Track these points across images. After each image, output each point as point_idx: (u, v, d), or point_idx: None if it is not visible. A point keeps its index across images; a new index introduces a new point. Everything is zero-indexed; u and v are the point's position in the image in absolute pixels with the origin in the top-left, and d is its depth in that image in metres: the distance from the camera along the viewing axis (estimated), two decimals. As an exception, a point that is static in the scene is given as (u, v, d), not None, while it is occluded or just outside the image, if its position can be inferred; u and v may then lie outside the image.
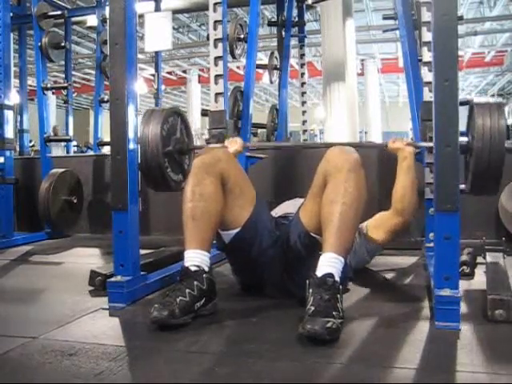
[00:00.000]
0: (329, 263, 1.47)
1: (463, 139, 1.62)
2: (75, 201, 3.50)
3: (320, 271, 1.45)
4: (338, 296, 1.41)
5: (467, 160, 1.67)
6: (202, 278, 1.53)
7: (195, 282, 1.51)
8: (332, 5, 7.13)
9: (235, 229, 1.72)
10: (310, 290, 1.41)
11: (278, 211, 2.06)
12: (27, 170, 3.79)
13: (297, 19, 4.14)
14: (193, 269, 1.54)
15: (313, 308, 1.34)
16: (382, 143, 2.22)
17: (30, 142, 5.91)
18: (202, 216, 1.61)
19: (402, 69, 3.03)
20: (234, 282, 1.92)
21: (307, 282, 1.44)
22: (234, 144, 2.18)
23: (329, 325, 1.29)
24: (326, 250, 1.50)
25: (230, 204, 1.70)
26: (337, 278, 1.45)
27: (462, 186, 1.59)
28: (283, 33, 3.89)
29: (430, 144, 1.86)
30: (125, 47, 1.77)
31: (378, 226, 2.09)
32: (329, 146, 1.71)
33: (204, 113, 2.62)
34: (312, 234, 1.68)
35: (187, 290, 1.49)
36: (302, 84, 4.39)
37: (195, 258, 1.57)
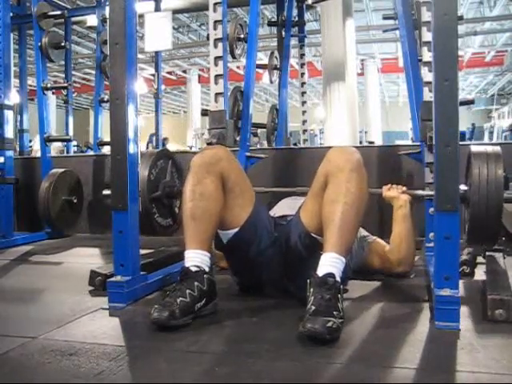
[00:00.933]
0: (330, 263, 1.47)
1: (462, 188, 1.61)
2: (75, 201, 3.50)
3: (321, 271, 1.45)
4: (339, 296, 1.41)
5: (465, 209, 1.66)
6: (203, 279, 1.53)
7: (196, 283, 1.51)
8: (332, 5, 7.13)
9: (234, 228, 1.72)
10: (311, 290, 1.41)
11: (276, 211, 2.05)
12: (27, 170, 3.79)
13: (297, 19, 4.13)
14: (193, 269, 1.54)
15: (313, 307, 1.34)
16: (377, 190, 2.11)
17: (30, 141, 5.91)
18: (203, 216, 1.61)
19: (401, 69, 3.03)
20: (234, 281, 1.92)
21: (308, 281, 1.44)
22: None
23: (329, 324, 1.29)
24: (327, 249, 1.50)
25: (230, 204, 1.70)
26: (338, 278, 1.45)
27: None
28: (283, 33, 3.88)
29: (429, 192, 1.84)
30: (125, 47, 1.77)
31: (379, 258, 2.05)
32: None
33: (204, 113, 2.62)
34: (312, 235, 1.68)
35: (188, 291, 1.48)
36: (302, 84, 4.39)
37: (195, 258, 1.57)
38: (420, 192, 2.13)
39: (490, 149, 1.60)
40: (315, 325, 1.29)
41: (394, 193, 2.06)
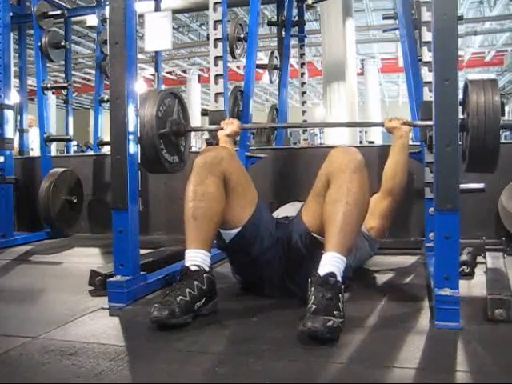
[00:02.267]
0: (331, 262, 1.47)
1: (460, 116, 1.61)
2: (75, 200, 3.50)
3: (322, 270, 1.45)
4: (340, 295, 1.41)
5: (463, 137, 1.66)
6: (203, 278, 1.53)
7: (195, 282, 1.51)
8: (332, 4, 7.14)
9: (236, 228, 1.72)
10: (312, 289, 1.41)
11: (278, 214, 2.05)
12: (27, 170, 3.79)
13: (297, 19, 4.14)
14: (193, 268, 1.54)
15: (314, 306, 1.34)
16: (378, 122, 2.25)
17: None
18: (204, 216, 1.61)
19: (401, 68, 3.03)
20: (234, 281, 1.93)
21: (309, 280, 1.44)
22: (230, 125, 2.18)
23: (330, 323, 1.29)
24: (328, 249, 1.50)
25: (232, 203, 1.70)
26: (339, 278, 1.45)
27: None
28: (283, 32, 3.89)
29: (428, 123, 1.85)
30: (125, 47, 1.77)
31: (372, 212, 2.05)
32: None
33: (204, 112, 2.62)
34: (313, 235, 1.68)
35: (187, 290, 1.48)
36: (302, 84, 4.39)
37: (196, 257, 1.57)
38: (420, 123, 2.18)
39: (485, 76, 1.60)
40: (316, 324, 1.29)
41: (395, 123, 2.12)
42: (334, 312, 1.34)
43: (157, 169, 1.89)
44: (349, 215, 1.53)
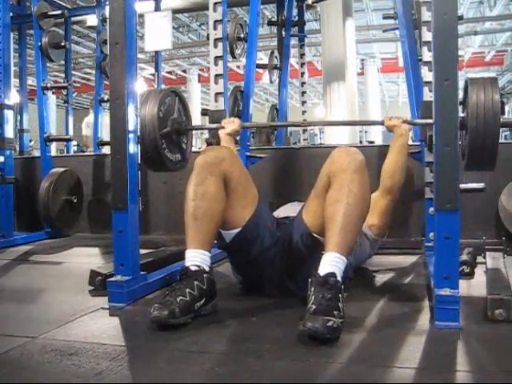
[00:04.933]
0: (331, 263, 1.47)
1: (459, 115, 1.61)
2: (75, 200, 3.50)
3: (322, 270, 1.45)
4: (340, 296, 1.41)
5: (463, 135, 1.66)
6: (203, 278, 1.53)
7: (195, 282, 1.51)
8: (332, 4, 7.13)
9: (236, 228, 1.72)
10: (312, 289, 1.41)
11: (278, 214, 2.05)
12: (27, 170, 3.79)
13: (297, 19, 4.14)
14: (193, 268, 1.54)
15: (314, 306, 1.34)
16: (378, 121, 2.26)
17: (30, 141, 5.91)
18: (204, 216, 1.61)
19: (401, 68, 3.03)
20: (234, 281, 1.92)
21: (309, 280, 1.44)
22: (231, 124, 2.18)
23: (330, 323, 1.29)
24: (328, 249, 1.50)
25: (232, 204, 1.70)
26: (339, 278, 1.45)
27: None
28: (283, 32, 3.89)
29: (428, 121, 1.86)
30: (125, 47, 1.77)
31: (372, 210, 2.06)
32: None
33: (204, 112, 2.62)
34: (314, 235, 1.68)
35: (187, 290, 1.48)
36: (302, 84, 4.39)
37: (196, 257, 1.57)
38: (419, 121, 2.18)
39: (486, 75, 1.61)
40: (315, 324, 1.29)
41: (396, 121, 2.13)
42: (334, 312, 1.34)
43: (160, 168, 1.89)
44: (349, 215, 1.53)
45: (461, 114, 1.62)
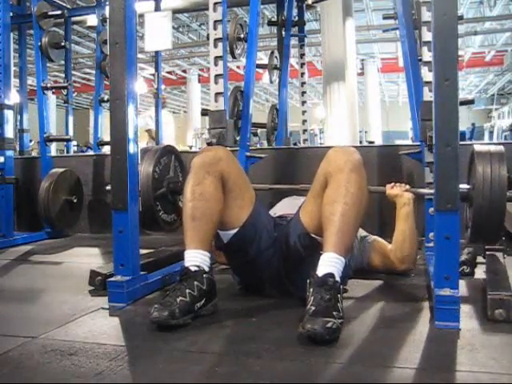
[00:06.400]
0: (330, 263, 1.47)
1: (464, 187, 1.60)
2: (75, 200, 3.50)
3: (321, 271, 1.45)
4: (339, 296, 1.41)
5: (466, 208, 1.66)
6: (202, 278, 1.53)
7: (195, 283, 1.51)
8: (332, 4, 7.13)
9: (234, 229, 1.73)
10: (311, 290, 1.41)
11: (276, 210, 2.05)
12: (27, 170, 3.79)
13: (297, 19, 4.13)
14: (193, 269, 1.54)
15: (313, 308, 1.34)
16: (380, 188, 2.14)
17: (30, 141, 5.90)
18: (202, 216, 1.61)
19: (401, 68, 3.03)
20: (234, 282, 1.92)
21: (308, 281, 1.44)
22: None
23: (329, 325, 1.29)
24: (326, 249, 1.50)
25: (229, 204, 1.70)
26: (337, 278, 1.45)
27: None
28: (283, 32, 3.88)
29: (430, 191, 1.84)
30: (125, 47, 1.77)
31: (381, 257, 2.07)
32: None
33: (204, 112, 2.62)
34: (312, 235, 1.68)
35: (187, 291, 1.48)
36: (302, 84, 4.39)
37: (195, 258, 1.57)
38: (423, 190, 2.14)
39: (493, 148, 1.60)
40: (314, 325, 1.29)
41: (398, 191, 2.06)
42: (334, 313, 1.34)
43: (154, 229, 1.89)
44: (347, 215, 1.53)
45: (466, 186, 1.62)
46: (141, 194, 1.76)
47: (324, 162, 1.65)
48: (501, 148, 1.63)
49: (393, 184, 2.10)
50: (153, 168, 1.77)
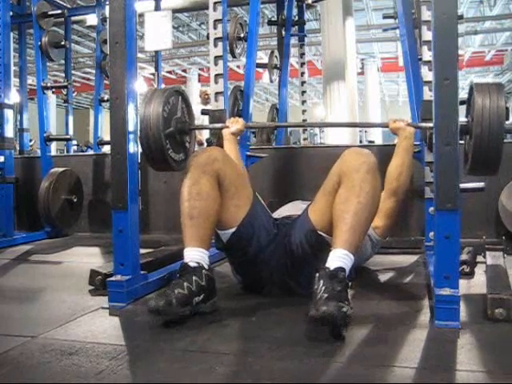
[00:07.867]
0: (340, 259, 1.47)
1: (462, 120, 1.60)
2: (75, 200, 3.50)
3: (332, 265, 1.45)
4: (348, 291, 1.42)
5: (466, 141, 1.66)
6: (201, 274, 1.54)
7: (194, 277, 1.51)
8: (332, 4, 7.14)
9: (232, 228, 1.73)
10: (321, 281, 1.39)
11: (281, 212, 2.05)
12: (27, 170, 3.79)
13: (297, 18, 4.14)
14: (192, 265, 1.55)
15: (326, 295, 1.34)
16: (383, 123, 2.28)
17: (30, 141, 5.91)
18: (200, 215, 1.61)
19: (402, 68, 3.03)
20: (234, 281, 1.92)
21: (317, 274, 1.43)
22: (235, 123, 2.19)
23: (344, 309, 1.30)
24: (337, 245, 1.50)
25: (227, 203, 1.71)
26: (347, 274, 1.45)
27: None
28: (283, 32, 3.89)
29: (430, 124, 1.86)
30: (125, 46, 1.77)
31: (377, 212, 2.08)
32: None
33: (204, 112, 2.62)
34: (320, 233, 1.68)
35: (185, 284, 1.48)
36: (302, 83, 4.39)
37: (195, 255, 1.58)
38: (424, 124, 2.17)
39: (491, 81, 1.60)
40: (330, 307, 1.28)
41: (400, 124, 2.14)
42: (345, 302, 1.34)
43: (164, 168, 1.89)
44: (360, 214, 1.53)
45: (464, 119, 1.62)
46: (151, 132, 1.76)
47: (339, 162, 1.66)
48: (499, 81, 1.64)
49: (395, 118, 2.19)
50: (162, 107, 1.77)
